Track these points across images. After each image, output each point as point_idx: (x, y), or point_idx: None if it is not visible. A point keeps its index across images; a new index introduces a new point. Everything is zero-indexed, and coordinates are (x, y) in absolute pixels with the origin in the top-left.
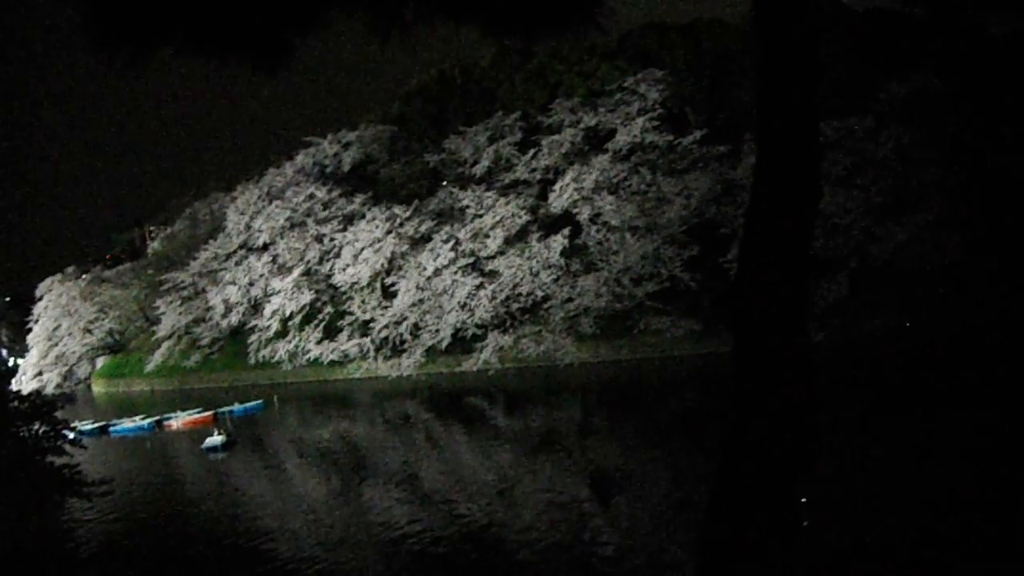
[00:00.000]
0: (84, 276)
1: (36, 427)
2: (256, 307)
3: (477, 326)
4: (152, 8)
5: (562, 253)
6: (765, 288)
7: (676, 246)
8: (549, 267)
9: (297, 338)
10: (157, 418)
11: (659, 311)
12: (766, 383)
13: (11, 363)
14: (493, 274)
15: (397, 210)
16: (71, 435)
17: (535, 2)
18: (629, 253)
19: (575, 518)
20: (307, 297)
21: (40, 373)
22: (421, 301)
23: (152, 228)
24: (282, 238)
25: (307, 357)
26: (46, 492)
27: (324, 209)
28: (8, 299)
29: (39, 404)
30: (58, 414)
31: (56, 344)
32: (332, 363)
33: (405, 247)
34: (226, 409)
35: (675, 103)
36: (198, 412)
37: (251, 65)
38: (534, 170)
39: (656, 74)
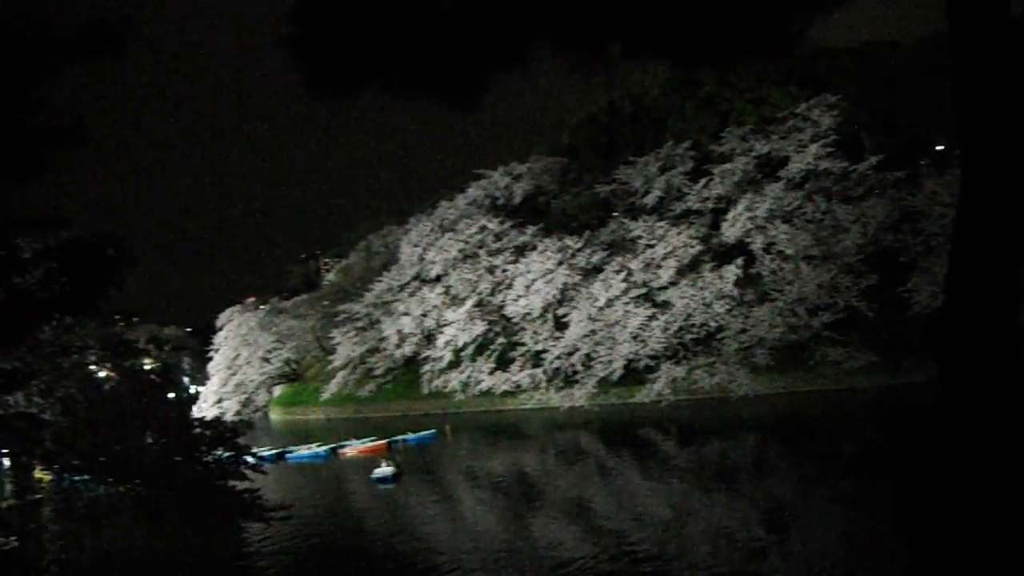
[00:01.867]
0: (263, 307)
1: (219, 452)
2: (429, 338)
3: (649, 357)
4: (361, 50)
5: (736, 283)
6: (976, 314)
7: (853, 275)
8: (722, 297)
9: (470, 368)
10: (332, 446)
11: (835, 342)
12: (981, 413)
13: (193, 391)
14: (665, 305)
15: (568, 241)
16: (252, 460)
17: (738, 37)
18: (804, 282)
19: (747, 554)
20: (480, 328)
21: (220, 400)
22: (593, 332)
23: (327, 260)
24: (455, 269)
25: (479, 387)
26: (229, 515)
27: (496, 240)
28: (190, 329)
29: (222, 430)
30: (240, 440)
31: (235, 373)
32: (504, 393)
33: (577, 278)
34: (399, 438)
35: (849, 128)
36: (372, 441)
37: (449, 102)
38: (706, 199)
39: (829, 99)
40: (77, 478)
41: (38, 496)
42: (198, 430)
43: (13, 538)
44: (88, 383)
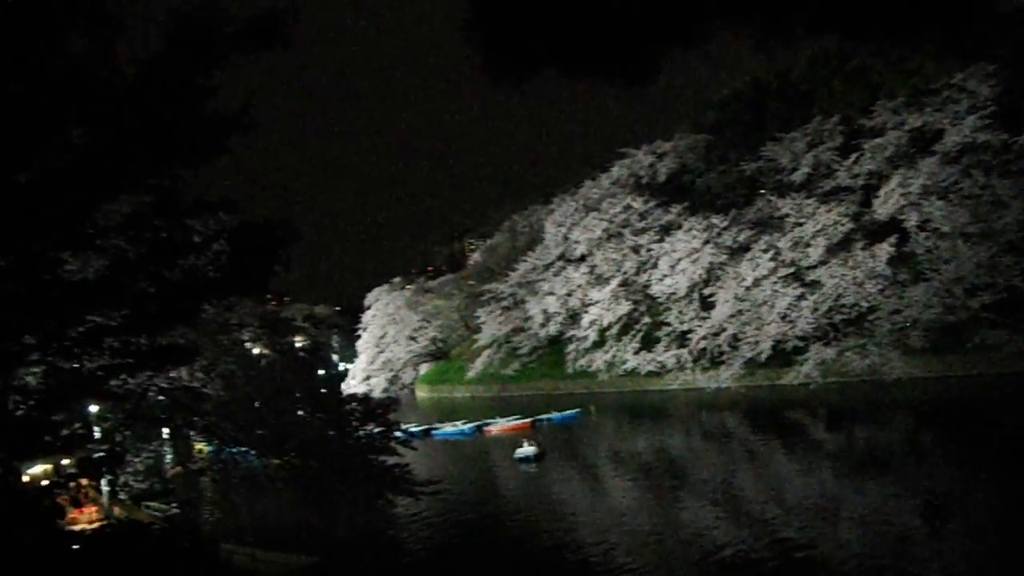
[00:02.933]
0: (409, 286)
1: (370, 427)
2: (574, 317)
3: (798, 338)
4: (540, 32)
5: (888, 262)
6: None
7: (1014, 254)
8: (875, 277)
9: (614, 348)
10: (478, 423)
11: (995, 324)
12: None
13: (342, 368)
14: (815, 284)
15: (714, 220)
16: (401, 436)
17: (917, 10)
18: (962, 261)
19: (900, 543)
20: (624, 307)
21: (368, 377)
22: (740, 312)
23: (472, 240)
24: (599, 249)
25: (624, 367)
26: (379, 489)
27: (640, 220)
28: (339, 308)
29: (373, 406)
30: (389, 416)
31: (383, 350)
32: (649, 374)
33: (723, 257)
34: (544, 417)
35: (1009, 99)
36: (517, 419)
37: (622, 81)
38: (856, 175)
39: (987, 68)
40: (235, 450)
41: (198, 466)
42: (350, 405)
43: (175, 504)
44: (246, 359)
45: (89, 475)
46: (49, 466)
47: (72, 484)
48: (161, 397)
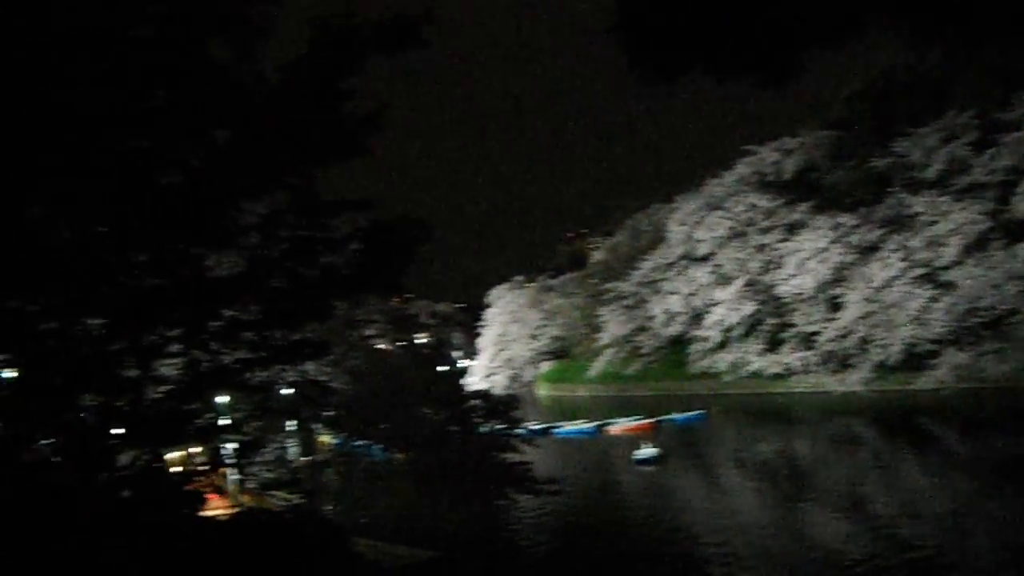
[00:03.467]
0: (531, 284)
1: (492, 424)
2: (697, 317)
3: (931, 341)
4: (687, 33)
5: None
6: None
7: None
8: (1014, 278)
9: (738, 349)
10: (599, 423)
11: None
12: None
13: (463, 365)
14: (949, 286)
15: (842, 218)
16: (523, 433)
17: None
18: None
19: None
20: (749, 308)
21: (490, 375)
22: (869, 314)
23: (594, 239)
24: (723, 248)
25: (748, 369)
26: (500, 486)
27: (766, 218)
28: (461, 306)
29: (496, 403)
30: (513, 414)
31: (504, 348)
32: (774, 376)
33: (852, 257)
34: (667, 418)
35: None
36: (639, 419)
37: (763, 82)
38: (993, 172)
39: None
40: (359, 443)
41: (323, 458)
42: (472, 402)
43: (300, 495)
44: (372, 355)
45: (224, 464)
46: (182, 454)
47: (207, 473)
48: (290, 390)
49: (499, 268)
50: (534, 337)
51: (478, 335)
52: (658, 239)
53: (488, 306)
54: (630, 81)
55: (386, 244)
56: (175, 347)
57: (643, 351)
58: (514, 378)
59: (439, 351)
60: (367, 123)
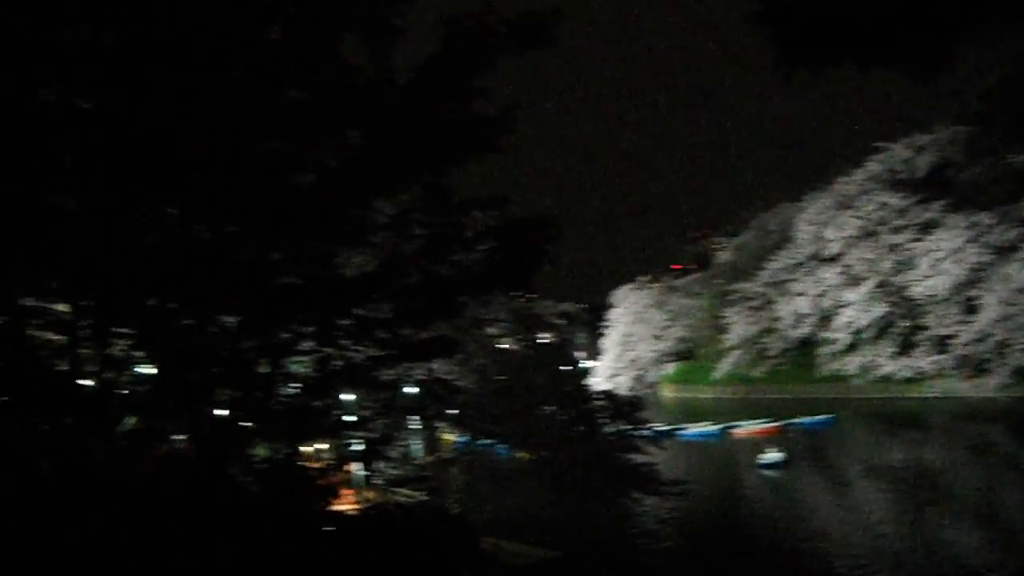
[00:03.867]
0: (655, 285)
1: (618, 424)
2: (826, 319)
3: None
4: (836, 23)
5: None
6: None
7: None
8: None
9: (869, 352)
10: (724, 425)
11: None
12: None
13: (586, 365)
14: None
15: (979, 217)
16: (649, 434)
17: None
18: None
19: None
20: (880, 309)
21: (614, 375)
22: (1008, 316)
23: (718, 239)
24: (853, 248)
25: (878, 372)
26: (625, 486)
27: (898, 217)
28: (585, 306)
29: (622, 403)
30: (638, 414)
31: (629, 349)
32: (906, 380)
33: (989, 257)
34: (794, 421)
35: None
36: (765, 422)
37: (914, 72)
38: None
39: None
40: (482, 442)
41: (447, 456)
42: (598, 402)
43: (424, 492)
44: (498, 354)
45: (351, 460)
46: (311, 450)
47: (336, 468)
48: (415, 388)
49: (623, 268)
50: (659, 338)
51: (602, 335)
52: (785, 239)
53: (612, 306)
54: (759, 78)
55: (518, 242)
56: (307, 344)
57: (770, 353)
58: (638, 379)
59: (563, 351)
60: (498, 122)
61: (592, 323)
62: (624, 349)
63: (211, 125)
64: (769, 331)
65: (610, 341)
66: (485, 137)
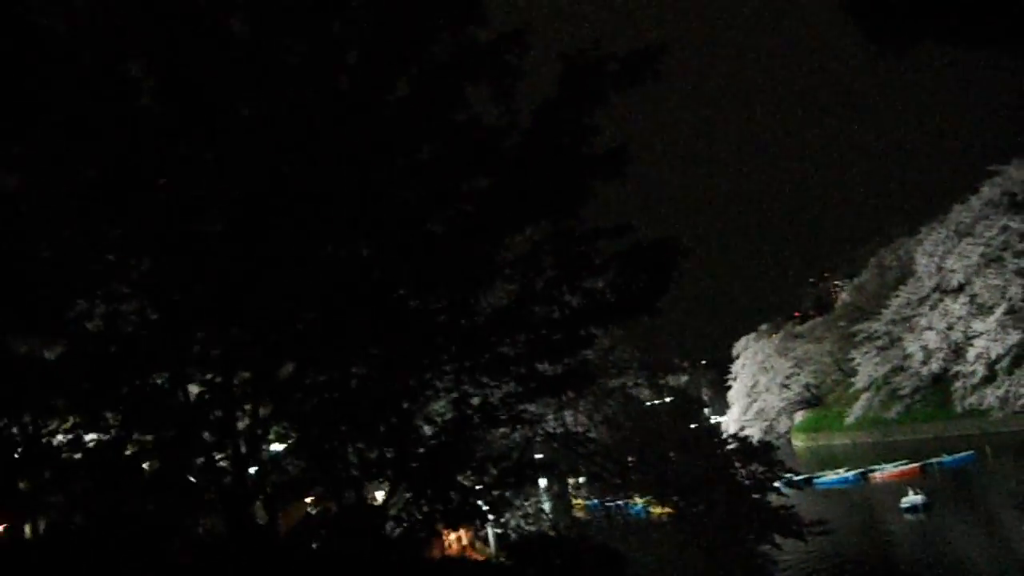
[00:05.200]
0: (776, 334)
1: (753, 468)
2: (958, 352)
3: None
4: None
5: None
6: None
7: None
8: None
9: (1007, 382)
10: (862, 470)
11: None
12: None
13: (713, 421)
14: None
15: None
16: (787, 477)
17: None
18: None
19: None
20: (1014, 337)
21: (742, 428)
22: None
23: (837, 282)
24: (978, 276)
25: (1019, 403)
26: (765, 531)
27: (1021, 241)
28: (705, 362)
29: (755, 448)
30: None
31: (755, 400)
32: None
33: None
34: (934, 460)
35: None
36: (904, 464)
37: (1008, 50)
38: None
39: None
40: (615, 503)
41: (580, 517)
42: (731, 446)
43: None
44: (629, 402)
45: (491, 510)
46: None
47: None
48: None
49: (742, 319)
50: (785, 386)
51: (728, 388)
52: (906, 273)
53: (735, 358)
54: (861, 102)
55: (645, 266)
56: (446, 382)
57: (902, 392)
58: (768, 430)
59: (688, 407)
60: (615, 157)
61: (717, 380)
62: (750, 400)
63: (349, 181)
64: (899, 370)
65: (735, 393)
66: (607, 170)
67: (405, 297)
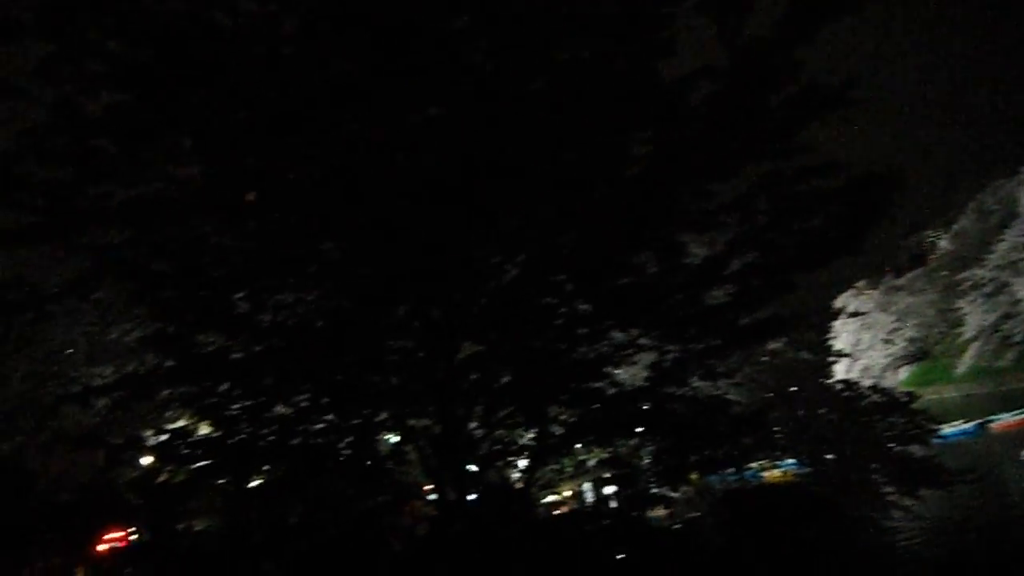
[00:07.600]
0: (875, 288)
1: (893, 419)
2: None
3: None
4: None
5: None
6: None
7: None
8: None
9: None
10: (980, 421)
11: None
12: None
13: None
14: None
15: None
16: (929, 426)
17: None
18: None
19: None
20: None
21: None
22: None
23: (932, 232)
24: None
25: None
26: (910, 482)
27: None
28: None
29: (896, 397)
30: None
31: (859, 358)
32: None
33: None
34: None
35: None
36: (1022, 413)
37: None
38: None
39: None
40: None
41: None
42: (869, 399)
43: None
44: (766, 363)
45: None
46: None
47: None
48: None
49: (838, 276)
50: (888, 341)
51: (828, 348)
52: (1010, 216)
53: (837, 315)
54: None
55: (857, 202)
56: (649, 339)
57: (1015, 339)
58: (874, 388)
59: (824, 361)
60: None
61: (813, 340)
62: (854, 359)
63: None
64: (1009, 316)
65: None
66: (818, 107)
67: (612, 253)
